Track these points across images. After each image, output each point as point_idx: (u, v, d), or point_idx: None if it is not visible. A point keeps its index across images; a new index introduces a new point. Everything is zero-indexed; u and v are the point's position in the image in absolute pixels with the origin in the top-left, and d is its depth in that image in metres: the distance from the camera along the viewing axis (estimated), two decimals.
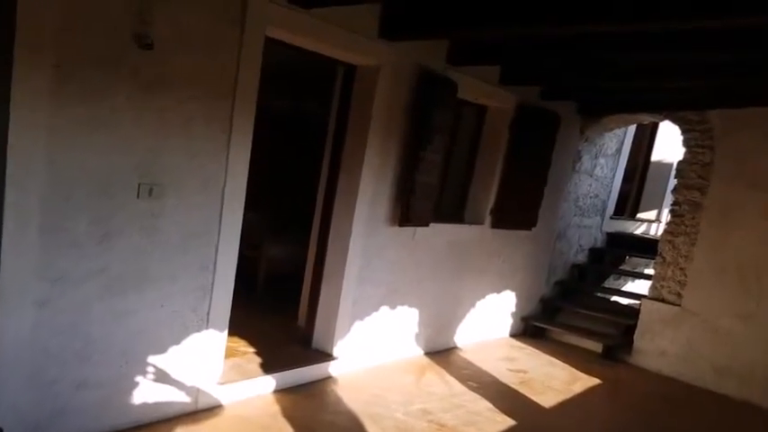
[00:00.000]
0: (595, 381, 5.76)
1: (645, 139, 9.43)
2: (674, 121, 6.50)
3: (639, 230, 9.49)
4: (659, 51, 4.13)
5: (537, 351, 6.46)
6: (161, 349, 3.50)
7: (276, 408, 4.07)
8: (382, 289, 5.02)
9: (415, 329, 5.53)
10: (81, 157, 2.94)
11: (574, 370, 5.97)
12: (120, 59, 2.97)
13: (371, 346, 5.08)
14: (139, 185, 3.19)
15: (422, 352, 5.67)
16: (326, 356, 4.74)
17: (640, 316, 6.55)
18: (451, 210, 5.98)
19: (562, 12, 3.45)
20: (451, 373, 5.31)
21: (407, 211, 4.85)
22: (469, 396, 4.86)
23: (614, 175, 8.10)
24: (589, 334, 6.78)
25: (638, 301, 6.78)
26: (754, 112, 5.85)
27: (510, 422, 4.48)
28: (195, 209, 3.48)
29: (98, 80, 2.91)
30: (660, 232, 7.17)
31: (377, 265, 4.89)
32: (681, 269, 6.34)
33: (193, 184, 3.43)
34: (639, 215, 9.67)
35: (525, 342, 6.74)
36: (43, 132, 2.78)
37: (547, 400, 5.08)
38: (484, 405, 4.71)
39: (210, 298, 3.68)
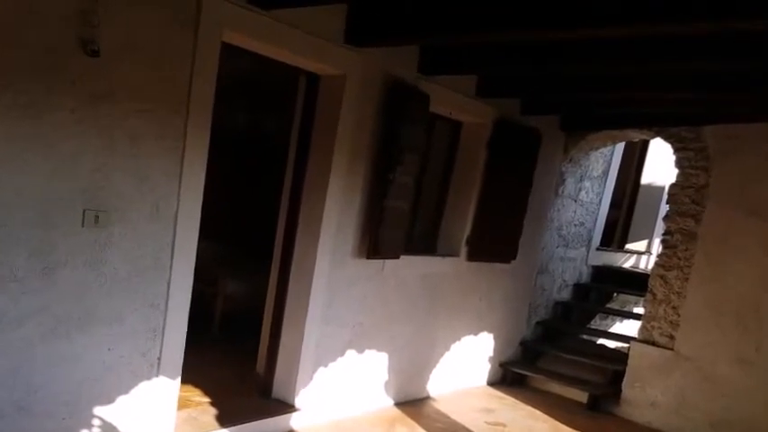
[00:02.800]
0: None
1: (634, 160, 9.94)
2: (667, 138, 6.78)
3: (628, 263, 9.99)
4: (650, 60, 4.33)
5: (516, 401, 6.85)
6: (108, 399, 3.73)
7: None
8: (348, 330, 5.33)
9: (385, 376, 5.86)
10: (19, 180, 3.14)
11: (557, 423, 6.33)
12: (62, 68, 3.18)
13: (337, 395, 5.39)
14: (84, 212, 3.41)
15: (392, 402, 6.00)
16: (287, 407, 5.01)
17: (629, 361, 6.87)
18: (424, 239, 6.34)
19: (543, 15, 3.73)
20: (424, 427, 5.65)
21: (376, 242, 5.15)
22: None
23: (601, 201, 8.55)
24: (573, 382, 7.16)
25: (626, 344, 7.16)
26: (755, 128, 6.09)
27: None
28: (145, 238, 3.72)
29: (38, 92, 3.12)
30: (651, 266, 7.55)
31: (343, 302, 5.20)
32: (673, 308, 6.62)
33: (143, 209, 3.68)
34: (628, 246, 10.18)
35: (504, 391, 7.14)
36: None
37: None
38: None
39: (162, 341, 3.92)
